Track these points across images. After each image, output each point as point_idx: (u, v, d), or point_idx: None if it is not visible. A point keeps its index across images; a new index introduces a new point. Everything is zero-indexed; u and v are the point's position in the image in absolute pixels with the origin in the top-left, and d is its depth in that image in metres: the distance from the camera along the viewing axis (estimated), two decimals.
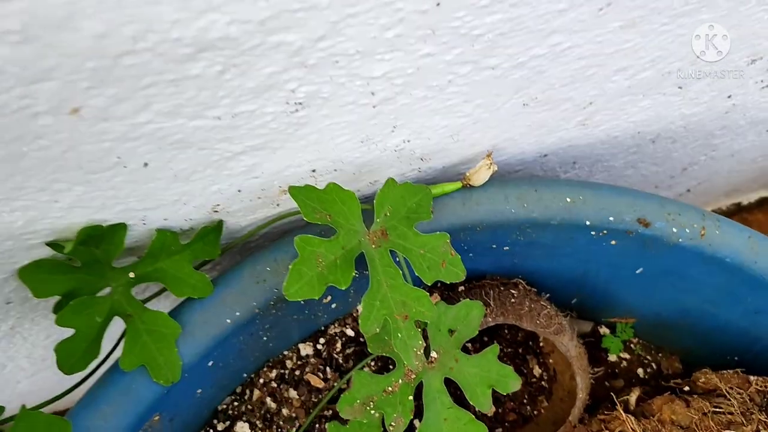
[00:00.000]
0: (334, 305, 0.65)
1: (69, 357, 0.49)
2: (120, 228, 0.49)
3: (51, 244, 0.48)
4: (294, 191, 0.48)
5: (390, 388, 0.52)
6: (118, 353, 0.52)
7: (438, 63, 0.44)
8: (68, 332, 0.50)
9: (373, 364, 0.67)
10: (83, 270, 0.49)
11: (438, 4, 0.38)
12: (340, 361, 0.67)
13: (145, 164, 0.43)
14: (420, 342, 0.49)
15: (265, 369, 0.66)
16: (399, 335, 0.48)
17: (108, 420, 0.49)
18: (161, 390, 0.51)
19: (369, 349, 0.53)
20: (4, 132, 0.35)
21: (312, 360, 0.66)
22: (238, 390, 0.65)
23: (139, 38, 0.32)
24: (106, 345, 0.51)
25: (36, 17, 0.29)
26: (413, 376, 0.53)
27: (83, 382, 0.54)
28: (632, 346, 0.76)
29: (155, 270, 0.51)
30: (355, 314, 0.68)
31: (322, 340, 0.67)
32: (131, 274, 0.51)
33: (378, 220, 0.51)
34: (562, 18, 0.45)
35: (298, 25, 0.35)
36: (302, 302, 0.59)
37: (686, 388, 0.65)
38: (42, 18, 0.29)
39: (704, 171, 0.94)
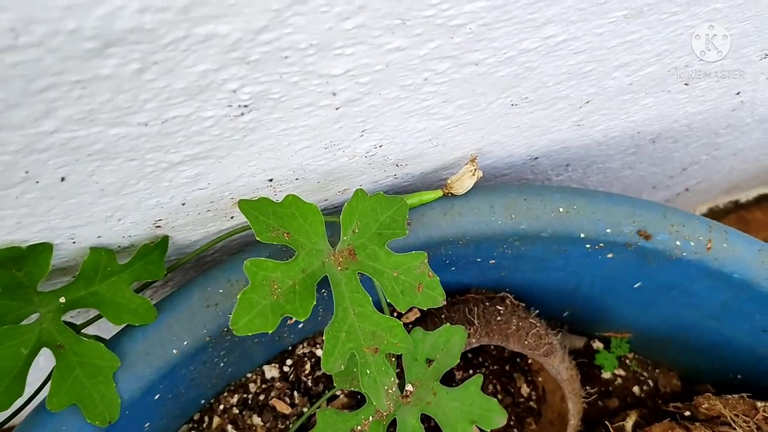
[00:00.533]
0: (301, 325, 0.58)
1: None
2: (44, 248, 0.42)
3: None
4: (244, 206, 0.41)
5: (359, 427, 0.46)
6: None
7: (411, 59, 0.37)
8: None
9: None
10: (4, 295, 0.43)
11: None
12: (309, 384, 0.61)
13: (62, 179, 0.36)
14: (392, 379, 0.43)
15: (225, 394, 0.59)
16: (368, 372, 0.42)
17: None
18: (98, 430, 0.45)
19: (335, 384, 0.47)
20: None
21: (278, 384, 0.60)
22: (196, 417, 0.59)
23: (19, 31, 0.25)
24: (34, 380, 0.45)
25: None
26: (386, 414, 0.46)
27: (10, 419, 0.47)
28: (628, 361, 0.71)
29: (90, 294, 0.45)
30: None
31: (289, 362, 0.61)
32: (62, 299, 0.44)
33: (345, 237, 0.44)
34: (557, 6, 0.38)
35: (232, 14, 0.29)
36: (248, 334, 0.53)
37: (687, 413, 0.60)
38: None
39: (705, 170, 0.89)
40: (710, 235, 0.56)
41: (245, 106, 0.36)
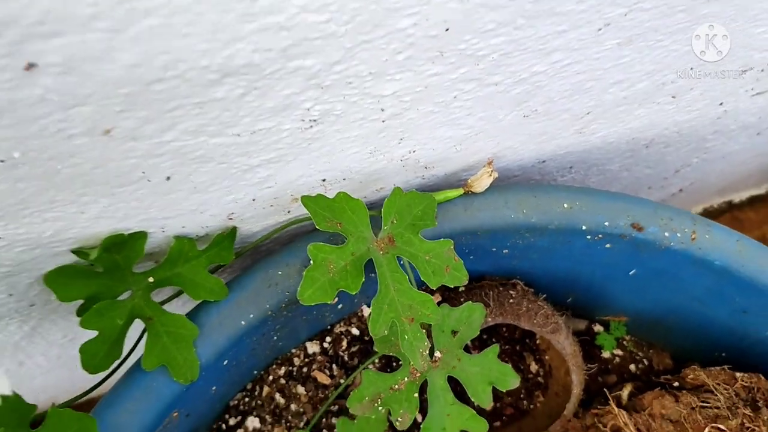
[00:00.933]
0: (340, 306, 0.67)
1: (93, 357, 0.52)
2: (140, 236, 0.51)
3: (76, 252, 0.50)
4: (306, 201, 0.50)
5: (396, 386, 0.55)
6: (137, 353, 0.55)
7: (444, 81, 0.46)
8: (82, 331, 0.52)
9: (377, 361, 0.69)
10: (105, 275, 0.52)
11: (447, 30, 0.40)
12: (346, 358, 0.70)
13: (168, 178, 0.45)
14: (425, 343, 0.52)
15: (274, 366, 0.68)
16: (406, 337, 0.51)
17: (131, 417, 0.52)
18: (180, 388, 0.54)
19: (376, 349, 0.56)
20: (42, 152, 0.37)
21: (319, 357, 0.69)
22: (249, 386, 0.68)
23: (169, 67, 0.34)
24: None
25: (77, 51, 0.31)
26: (418, 375, 0.55)
27: (105, 380, 0.56)
28: (625, 343, 0.80)
29: (174, 275, 0.54)
30: (359, 314, 0.71)
31: (328, 339, 0.70)
32: (150, 279, 0.54)
33: (385, 227, 0.53)
34: (562, 38, 0.47)
35: (316, 51, 0.38)
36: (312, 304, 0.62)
37: (676, 384, 0.69)
38: (82, 51, 0.31)
39: (696, 172, 0.97)
40: (694, 227, 0.65)
41: (314, 120, 0.45)
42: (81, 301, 0.53)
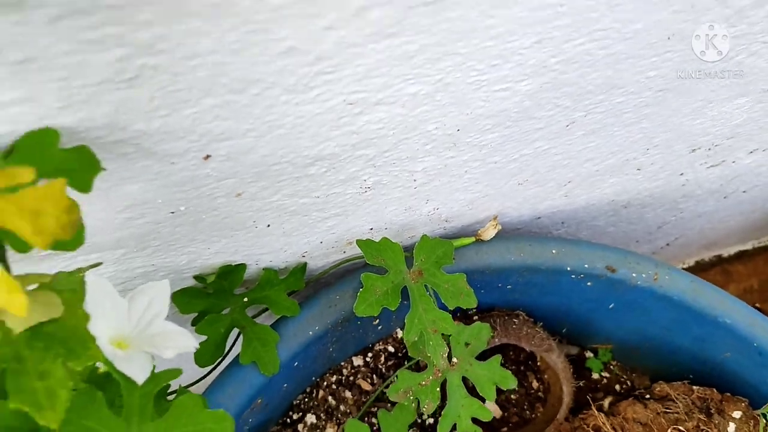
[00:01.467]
0: (380, 327, 0.87)
1: (203, 356, 0.72)
2: (242, 267, 0.72)
3: (197, 277, 0.71)
4: (360, 243, 0.71)
5: (424, 382, 0.74)
6: (232, 354, 0.75)
7: (458, 162, 0.67)
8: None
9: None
10: (214, 295, 0.73)
11: (458, 130, 0.61)
12: (383, 370, 0.88)
13: (268, 225, 0.66)
14: (445, 348, 0.71)
15: (327, 375, 0.87)
16: (430, 343, 0.70)
17: (231, 399, 0.71)
18: (265, 380, 0.73)
19: (409, 353, 0.75)
20: (197, 207, 0.59)
21: (362, 369, 0.88)
22: (308, 390, 0.87)
23: (284, 156, 0.56)
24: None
25: (235, 148, 0.53)
26: (440, 374, 0.74)
27: (207, 375, 0.76)
28: (611, 367, 0.97)
29: (262, 296, 0.74)
30: (395, 335, 0.90)
31: (370, 354, 0.89)
32: (245, 299, 0.74)
33: (416, 263, 0.73)
34: (540, 132, 0.68)
35: (373, 145, 0.59)
36: (359, 323, 0.81)
37: (647, 396, 0.85)
38: (238, 148, 0.53)
39: (676, 229, 1.15)
40: (657, 270, 0.83)
41: (368, 187, 0.66)
42: (195, 314, 0.74)
